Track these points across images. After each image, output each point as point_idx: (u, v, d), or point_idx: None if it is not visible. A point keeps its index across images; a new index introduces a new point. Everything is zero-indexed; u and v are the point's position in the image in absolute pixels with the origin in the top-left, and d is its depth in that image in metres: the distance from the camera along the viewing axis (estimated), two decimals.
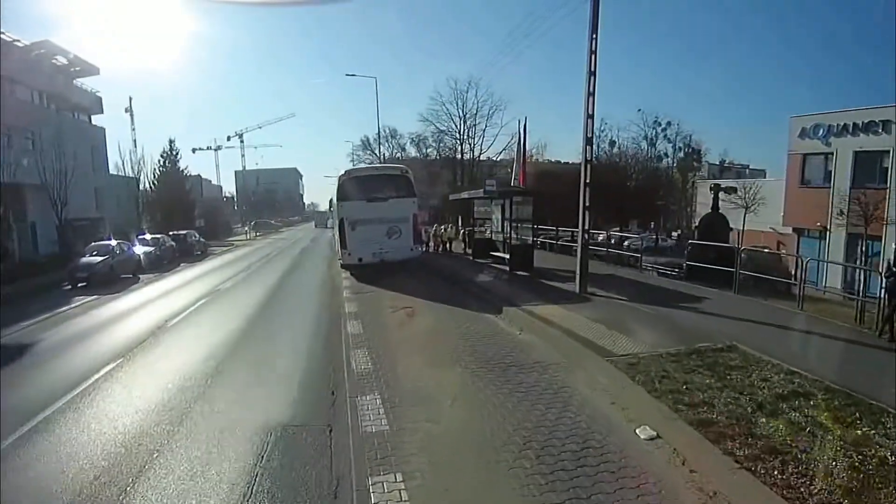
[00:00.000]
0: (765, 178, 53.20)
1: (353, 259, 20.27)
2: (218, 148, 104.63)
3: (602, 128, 50.20)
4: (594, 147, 14.92)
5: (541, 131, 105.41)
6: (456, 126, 51.79)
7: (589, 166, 14.90)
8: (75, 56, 44.86)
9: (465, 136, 51.86)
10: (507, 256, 19.76)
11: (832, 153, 29.09)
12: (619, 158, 45.48)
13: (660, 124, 47.00)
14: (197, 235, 38.69)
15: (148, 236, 32.75)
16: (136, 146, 58.66)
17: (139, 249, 29.00)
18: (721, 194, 23.73)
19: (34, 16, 65.93)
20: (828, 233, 28.93)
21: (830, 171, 29.21)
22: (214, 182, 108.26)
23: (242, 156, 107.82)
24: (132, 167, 47.32)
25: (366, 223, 19.89)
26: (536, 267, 19.34)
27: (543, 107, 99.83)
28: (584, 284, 15.04)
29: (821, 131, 29.46)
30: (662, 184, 44.44)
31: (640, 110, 46.86)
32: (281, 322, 13.64)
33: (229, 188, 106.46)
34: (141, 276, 25.29)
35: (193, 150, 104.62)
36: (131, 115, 71.02)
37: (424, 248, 28.00)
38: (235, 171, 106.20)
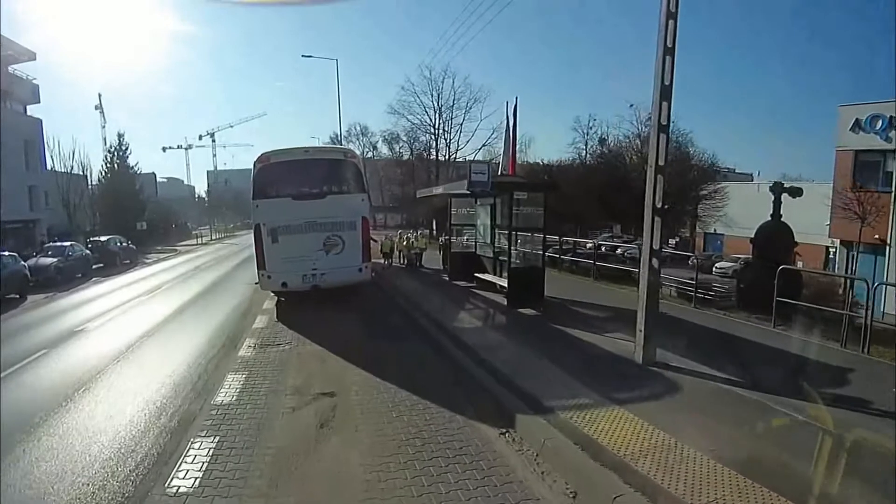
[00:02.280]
0: (752, 180, 47.46)
1: (274, 283, 13.08)
2: (188, 147, 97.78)
3: (591, 124, 43.70)
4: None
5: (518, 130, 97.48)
6: (431, 119, 44.70)
7: (664, 137, 7.94)
8: (7, 39, 37.53)
9: (441, 131, 44.76)
10: (504, 284, 12.59)
11: (894, 150, 22.53)
12: (612, 157, 38.72)
13: None
14: (122, 241, 30.75)
15: (67, 243, 25.89)
16: (105, 144, 51.59)
17: (45, 261, 22.41)
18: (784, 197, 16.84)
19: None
20: (888, 247, 22.28)
21: (892, 172, 22.58)
22: (186, 182, 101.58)
23: (214, 155, 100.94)
24: (72, 163, 39.88)
25: (292, 231, 12.75)
26: (546, 297, 12.34)
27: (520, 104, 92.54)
28: (652, 347, 8.04)
29: (880, 123, 22.90)
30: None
31: (631, 105, 40.04)
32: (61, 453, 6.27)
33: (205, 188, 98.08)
34: (31, 296, 18.58)
35: (164, 149, 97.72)
36: (101, 113, 63.65)
37: (388, 263, 20.87)
38: (207, 171, 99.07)
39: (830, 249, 29.76)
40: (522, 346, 8.88)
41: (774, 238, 15.47)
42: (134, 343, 10.68)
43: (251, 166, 13.42)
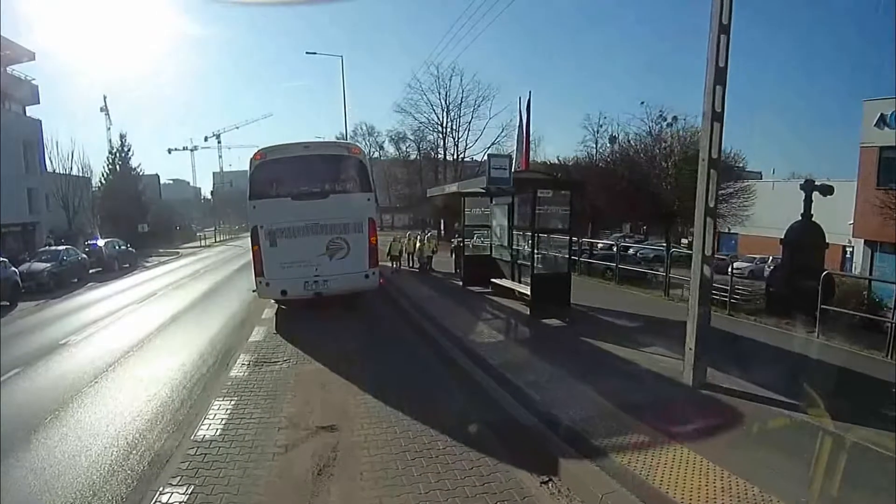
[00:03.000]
0: (761, 178, 46.02)
1: (272, 291, 11.97)
2: (194, 148, 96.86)
3: (601, 122, 42.32)
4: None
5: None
6: (438, 118, 43.43)
7: (718, 126, 6.77)
8: (7, 40, 36.46)
9: (449, 130, 43.52)
10: (525, 291, 11.40)
11: None
12: (635, 155, 37.22)
13: (664, 118, 38.75)
14: (121, 245, 29.61)
15: (62, 247, 24.72)
16: (111, 145, 50.57)
17: (37, 266, 21.21)
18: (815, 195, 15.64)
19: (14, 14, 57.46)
20: None
21: None
22: (192, 184, 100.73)
23: (220, 157, 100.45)
24: (71, 164, 38.93)
25: (292, 234, 11.63)
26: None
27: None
28: (703, 367, 6.89)
29: None
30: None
31: (643, 103, 38.56)
32: None
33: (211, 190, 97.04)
34: (23, 303, 17.61)
35: (169, 151, 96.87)
36: (107, 115, 62.68)
37: (396, 267, 19.61)
38: (213, 173, 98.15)
39: (847, 249, 28.46)
40: (553, 366, 7.68)
41: (806, 239, 14.37)
42: (117, 360, 9.53)
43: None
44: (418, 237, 20.90)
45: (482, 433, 5.78)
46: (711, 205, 6.85)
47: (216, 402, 6.99)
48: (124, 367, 9.16)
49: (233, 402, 6.95)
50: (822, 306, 9.92)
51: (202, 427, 6.21)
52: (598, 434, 5.38)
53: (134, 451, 5.73)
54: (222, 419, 6.41)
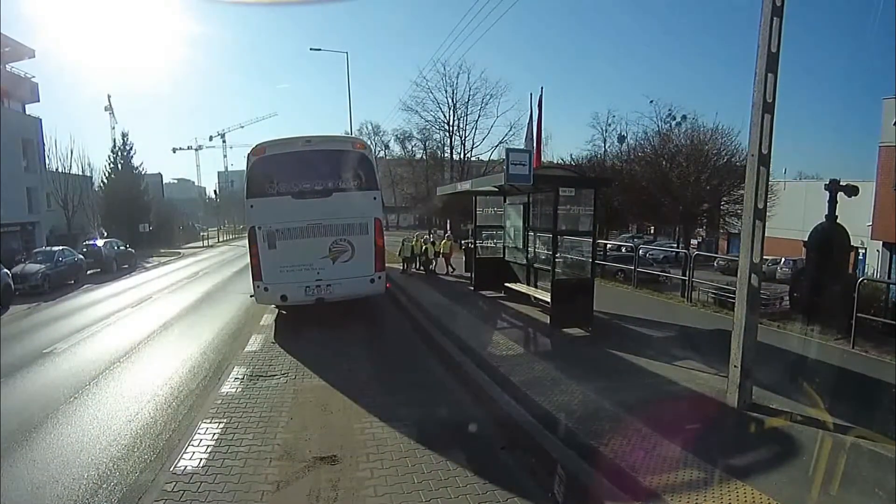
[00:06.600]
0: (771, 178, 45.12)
1: (271, 297, 11.18)
2: (199, 148, 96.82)
3: (610, 121, 41.36)
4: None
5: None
6: (445, 116, 42.53)
7: (769, 118, 5.96)
8: (6, 37, 35.75)
9: (456, 128, 42.62)
10: (544, 297, 10.55)
11: None
12: (636, 154, 36.25)
13: (674, 118, 37.82)
14: (119, 245, 29.01)
15: (58, 248, 23.86)
16: (115, 145, 49.93)
17: (31, 267, 20.66)
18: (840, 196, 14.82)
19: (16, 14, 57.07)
20: None
21: None
22: (196, 183, 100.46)
23: (224, 156, 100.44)
24: (70, 162, 38.23)
25: (292, 235, 10.87)
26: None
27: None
28: (748, 388, 6.09)
29: None
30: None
31: (651, 101, 37.43)
32: None
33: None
34: (15, 306, 16.96)
35: (174, 150, 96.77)
36: (111, 113, 62.26)
37: (407, 269, 18.71)
38: (218, 172, 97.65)
39: (860, 251, 27.60)
40: (581, 384, 6.85)
41: (831, 241, 13.54)
42: (101, 373, 8.76)
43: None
44: (425, 239, 20.00)
45: (508, 467, 5.01)
46: (761, 206, 6.04)
47: (203, 425, 6.23)
48: (108, 381, 8.38)
49: (221, 426, 6.18)
50: (859, 315, 9.18)
51: (184, 456, 5.46)
52: (646, 467, 4.60)
53: (104, 485, 4.99)
54: (207, 446, 5.65)
